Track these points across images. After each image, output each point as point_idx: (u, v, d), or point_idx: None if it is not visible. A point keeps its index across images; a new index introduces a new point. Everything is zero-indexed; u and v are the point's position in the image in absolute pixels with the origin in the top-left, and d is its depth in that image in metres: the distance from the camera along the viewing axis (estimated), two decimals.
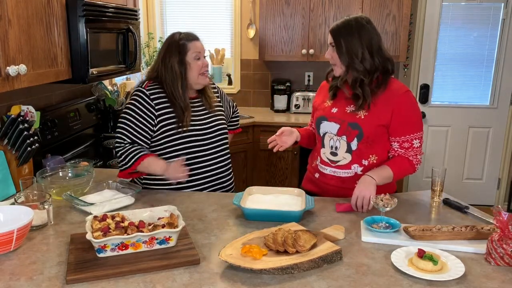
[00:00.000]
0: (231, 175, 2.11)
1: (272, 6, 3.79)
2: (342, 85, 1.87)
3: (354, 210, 1.74)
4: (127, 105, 1.94)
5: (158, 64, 1.94)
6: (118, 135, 1.94)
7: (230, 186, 2.10)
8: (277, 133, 1.94)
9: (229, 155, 2.10)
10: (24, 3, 1.68)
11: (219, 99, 2.15)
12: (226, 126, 2.10)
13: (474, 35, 4.02)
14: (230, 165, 2.11)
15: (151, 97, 1.91)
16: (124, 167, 1.90)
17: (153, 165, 1.87)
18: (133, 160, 1.87)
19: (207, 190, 2.00)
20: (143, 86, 1.94)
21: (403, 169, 1.86)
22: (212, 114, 2.03)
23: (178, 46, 1.91)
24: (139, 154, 1.87)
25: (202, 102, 2.03)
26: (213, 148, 1.99)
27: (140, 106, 1.91)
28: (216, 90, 2.16)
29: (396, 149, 1.87)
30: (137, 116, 1.90)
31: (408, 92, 1.83)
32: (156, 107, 1.91)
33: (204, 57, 1.98)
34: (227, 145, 2.10)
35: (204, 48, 1.98)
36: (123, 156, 1.90)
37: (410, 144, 1.84)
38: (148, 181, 2.02)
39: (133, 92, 1.96)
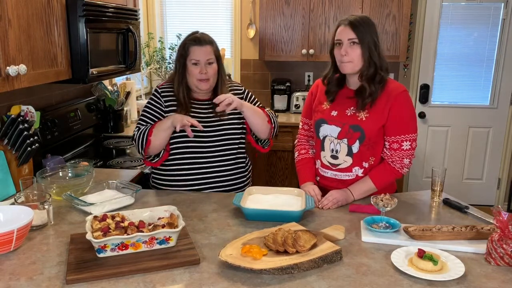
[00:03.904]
0: (235, 179, 2.05)
1: (272, 6, 3.79)
2: (365, 81, 1.79)
3: (367, 212, 1.72)
4: (145, 104, 2.08)
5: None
6: (135, 129, 2.03)
7: (233, 187, 2.06)
8: (317, 200, 1.82)
9: (236, 159, 2.04)
10: (24, 3, 1.68)
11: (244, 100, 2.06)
12: (237, 132, 2.03)
13: (474, 35, 4.02)
14: (239, 168, 2.06)
15: (162, 94, 2.02)
16: (142, 146, 1.95)
17: (161, 124, 1.93)
18: (145, 134, 1.94)
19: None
20: (158, 85, 2.08)
21: (385, 177, 1.86)
22: (219, 119, 1.99)
23: (183, 46, 1.95)
24: (148, 127, 1.97)
25: (212, 105, 1.98)
26: (213, 152, 1.98)
27: (153, 103, 2.03)
28: (241, 91, 2.10)
29: (385, 150, 1.86)
30: (150, 111, 2.02)
31: (404, 92, 1.82)
32: (165, 104, 2.00)
33: (209, 63, 1.93)
34: (233, 152, 2.02)
35: (209, 54, 1.93)
36: (137, 138, 1.97)
37: (399, 146, 1.81)
38: (158, 180, 2.07)
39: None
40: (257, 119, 1.99)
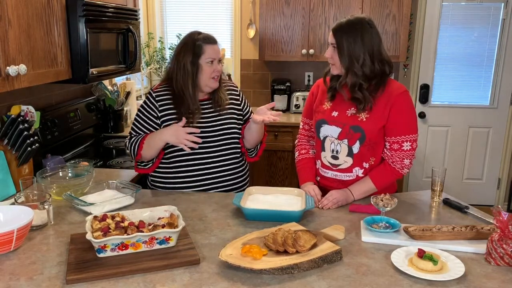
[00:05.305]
0: (236, 178, 2.05)
1: (272, 6, 3.79)
2: (340, 88, 1.84)
3: (367, 212, 1.72)
4: (138, 108, 2.06)
5: (173, 60, 1.97)
6: (128, 135, 2.04)
7: (233, 187, 2.06)
8: (318, 200, 1.82)
9: (237, 159, 2.05)
10: (24, 3, 1.68)
11: (239, 102, 2.09)
12: (236, 128, 2.03)
13: (474, 35, 4.02)
14: (238, 167, 2.06)
15: (157, 99, 1.98)
16: (133, 157, 1.98)
17: (154, 138, 1.91)
18: (137, 144, 1.94)
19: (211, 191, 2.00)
20: (152, 89, 2.04)
21: (386, 178, 1.86)
22: (220, 117, 2.00)
23: (194, 46, 1.92)
24: (140, 137, 1.96)
25: (211, 105, 2.01)
26: (212, 153, 1.98)
27: (146, 108, 1.99)
28: (238, 93, 2.13)
29: (385, 150, 1.86)
30: (143, 117, 1.99)
31: (405, 93, 1.82)
32: (160, 109, 1.96)
33: (219, 61, 1.96)
34: (231, 151, 2.02)
35: (219, 52, 1.96)
36: (129, 148, 1.98)
37: (399, 146, 1.81)
38: (156, 179, 2.05)
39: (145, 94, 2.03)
40: (257, 136, 2.05)
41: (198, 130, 1.90)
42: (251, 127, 1.99)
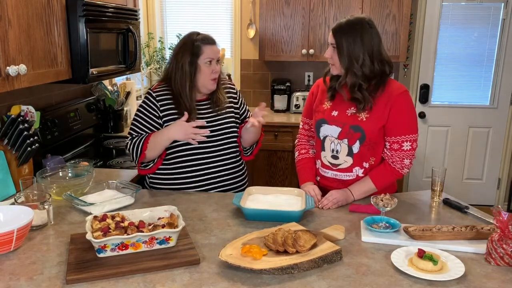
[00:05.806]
0: (235, 178, 2.06)
1: (272, 6, 3.78)
2: (339, 88, 1.84)
3: (367, 212, 1.72)
4: (137, 108, 2.02)
5: (171, 60, 1.97)
6: (128, 135, 2.01)
7: (231, 186, 2.07)
8: (318, 200, 1.82)
9: (235, 158, 2.06)
10: (24, 3, 1.68)
11: (236, 101, 2.11)
12: (235, 128, 2.05)
13: (474, 35, 4.02)
14: (236, 167, 2.07)
15: (157, 98, 1.97)
16: (136, 158, 1.93)
17: (158, 137, 1.90)
18: (139, 148, 1.91)
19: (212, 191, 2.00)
20: (151, 89, 2.02)
21: (386, 178, 1.86)
22: (218, 118, 2.00)
23: (192, 46, 1.91)
24: (143, 137, 1.92)
25: (210, 105, 2.01)
26: (211, 153, 1.98)
27: (147, 107, 1.97)
28: (235, 91, 2.13)
29: (385, 150, 1.86)
30: (144, 117, 1.97)
31: (405, 93, 1.82)
32: (161, 108, 1.95)
33: (218, 61, 1.96)
34: (230, 151, 2.03)
35: (219, 53, 1.96)
36: (131, 149, 1.94)
37: (399, 146, 1.81)
38: (154, 180, 2.04)
39: (144, 94, 2.03)
40: (254, 136, 2.06)
41: (204, 122, 1.89)
42: (248, 128, 1.98)
